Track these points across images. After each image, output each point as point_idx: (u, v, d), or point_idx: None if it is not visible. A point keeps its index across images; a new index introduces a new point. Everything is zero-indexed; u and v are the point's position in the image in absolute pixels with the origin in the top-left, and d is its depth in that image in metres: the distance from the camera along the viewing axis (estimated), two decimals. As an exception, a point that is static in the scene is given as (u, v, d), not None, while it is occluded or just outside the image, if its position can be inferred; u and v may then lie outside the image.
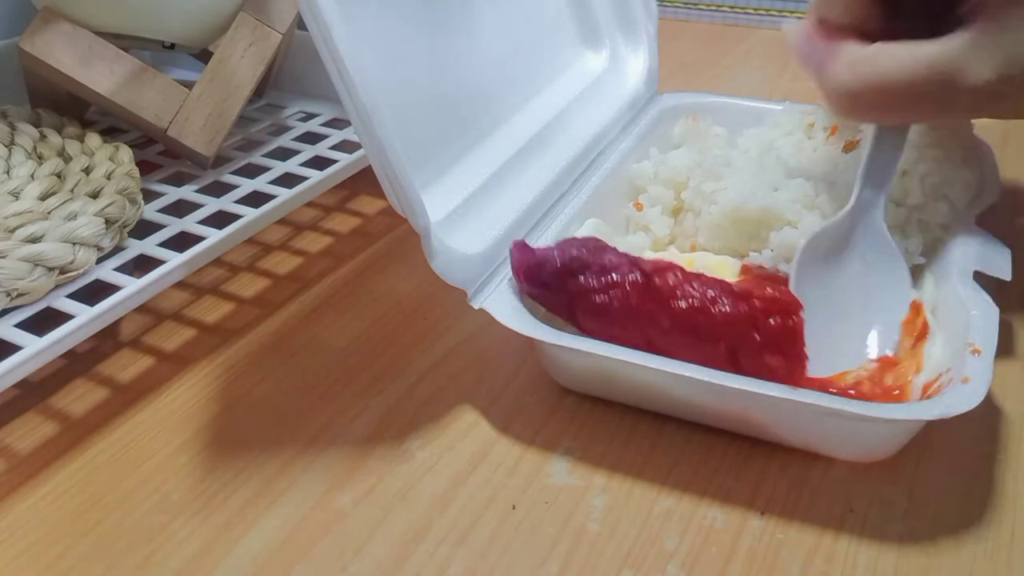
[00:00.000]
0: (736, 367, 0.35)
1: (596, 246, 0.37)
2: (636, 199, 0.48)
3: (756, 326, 0.35)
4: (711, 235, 0.44)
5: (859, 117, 0.40)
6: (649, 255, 0.44)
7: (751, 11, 0.85)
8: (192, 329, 0.45)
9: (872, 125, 0.39)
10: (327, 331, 0.45)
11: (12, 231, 0.39)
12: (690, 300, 0.35)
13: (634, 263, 0.36)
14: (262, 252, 0.51)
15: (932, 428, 0.33)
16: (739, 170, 0.46)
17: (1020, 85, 0.33)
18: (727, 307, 0.35)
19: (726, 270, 0.42)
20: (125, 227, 0.42)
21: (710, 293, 0.35)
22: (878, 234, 0.39)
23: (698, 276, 0.36)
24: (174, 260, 0.41)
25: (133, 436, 0.38)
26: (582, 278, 0.35)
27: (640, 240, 0.46)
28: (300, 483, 0.36)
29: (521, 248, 0.38)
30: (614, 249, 0.38)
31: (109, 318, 0.38)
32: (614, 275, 0.35)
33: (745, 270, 0.42)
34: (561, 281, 0.36)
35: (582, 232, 0.43)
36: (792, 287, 0.38)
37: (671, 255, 0.44)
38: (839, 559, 0.32)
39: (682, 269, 0.36)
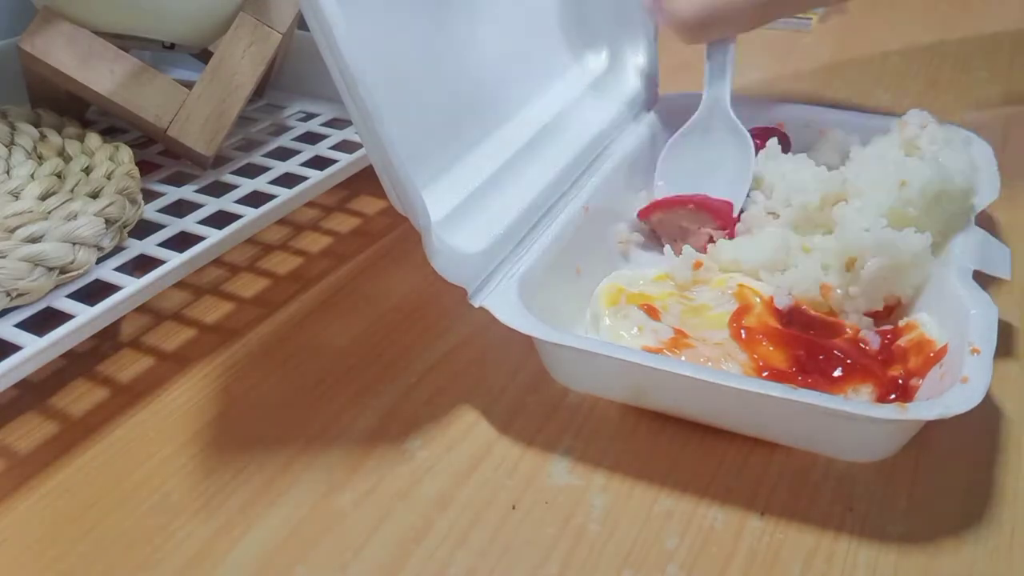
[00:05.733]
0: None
1: None
2: None
3: None
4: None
5: (700, 39, 0.50)
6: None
7: (751, 11, 0.84)
8: (192, 329, 0.45)
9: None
10: (327, 331, 0.44)
11: (12, 231, 0.39)
12: None
13: None
14: (262, 252, 0.51)
15: (932, 428, 0.33)
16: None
17: None
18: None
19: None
20: (125, 227, 0.42)
21: None
22: (727, 119, 0.50)
23: None
24: (174, 260, 0.41)
25: (133, 436, 0.38)
26: None
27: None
28: (300, 483, 0.36)
29: None
30: None
31: (109, 318, 0.38)
32: None
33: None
34: None
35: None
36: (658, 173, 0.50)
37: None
38: (839, 559, 0.32)
39: None
